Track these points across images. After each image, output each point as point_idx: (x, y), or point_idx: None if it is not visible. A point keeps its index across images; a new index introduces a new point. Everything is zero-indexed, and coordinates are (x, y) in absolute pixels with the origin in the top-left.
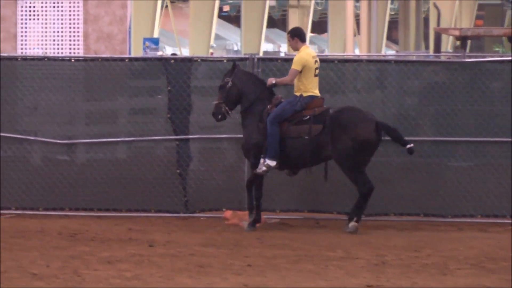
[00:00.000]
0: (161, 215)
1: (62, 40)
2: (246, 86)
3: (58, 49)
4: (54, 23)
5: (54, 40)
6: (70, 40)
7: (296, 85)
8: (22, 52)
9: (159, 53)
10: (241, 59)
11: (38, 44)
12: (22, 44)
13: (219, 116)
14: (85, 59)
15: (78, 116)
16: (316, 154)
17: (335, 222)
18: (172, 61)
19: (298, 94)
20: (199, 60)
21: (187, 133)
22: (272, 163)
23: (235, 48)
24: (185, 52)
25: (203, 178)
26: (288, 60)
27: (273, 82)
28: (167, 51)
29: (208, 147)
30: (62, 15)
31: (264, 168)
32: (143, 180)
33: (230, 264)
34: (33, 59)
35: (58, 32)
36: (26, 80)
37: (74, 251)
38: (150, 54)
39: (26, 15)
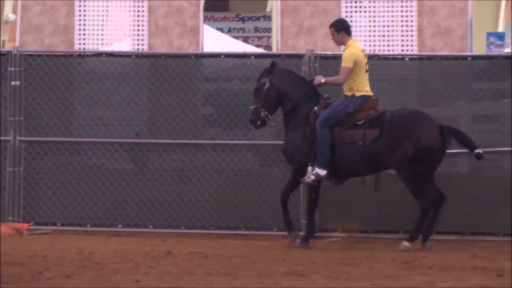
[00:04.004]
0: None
1: (392, 36)
2: (287, 87)
3: (388, 46)
4: (383, 17)
5: (383, 36)
6: (402, 36)
7: (346, 83)
8: None
9: (506, 50)
10: None
11: (364, 41)
12: None
13: (258, 122)
14: (420, 58)
15: None
16: (371, 162)
17: None
18: None
19: (349, 93)
20: None
21: None
22: (322, 172)
23: None
24: None
25: None
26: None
27: (322, 81)
28: None
29: None
30: (392, 8)
31: (312, 177)
32: (486, 198)
33: None
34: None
35: (388, 26)
36: None
37: (411, 281)
38: (495, 51)
39: (352, 8)
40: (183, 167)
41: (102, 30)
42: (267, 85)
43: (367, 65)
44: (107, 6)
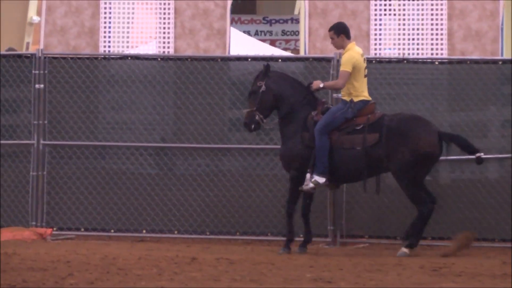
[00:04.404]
0: None
1: (422, 39)
2: (283, 90)
3: (417, 49)
4: (413, 19)
5: (412, 39)
6: (431, 39)
7: (345, 88)
8: (375, 54)
9: None
10: None
11: (393, 44)
12: (376, 44)
13: (253, 126)
14: (450, 61)
15: (443, 128)
16: (370, 167)
17: None
18: None
19: (348, 98)
20: None
21: None
22: (321, 179)
23: None
24: None
25: None
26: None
27: (321, 85)
28: None
29: None
30: (422, 10)
31: (311, 185)
32: None
33: None
34: (389, 61)
35: (417, 29)
36: (380, 86)
37: None
38: None
39: (381, 10)
40: (209, 171)
41: (128, 32)
42: (262, 88)
43: (366, 70)
44: (133, 7)
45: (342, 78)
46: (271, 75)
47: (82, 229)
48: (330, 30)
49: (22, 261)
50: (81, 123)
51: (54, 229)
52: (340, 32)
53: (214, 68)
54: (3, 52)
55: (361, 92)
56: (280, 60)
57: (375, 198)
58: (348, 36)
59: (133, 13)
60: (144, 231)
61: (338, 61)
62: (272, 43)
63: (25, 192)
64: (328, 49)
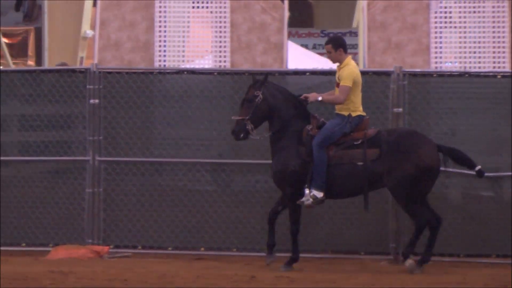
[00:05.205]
0: None
1: (483, 52)
2: (279, 103)
3: (478, 62)
4: (474, 32)
5: (474, 53)
6: (493, 52)
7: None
8: (436, 67)
9: None
10: None
11: (454, 57)
12: (436, 57)
13: (241, 135)
14: None
15: (505, 143)
16: (370, 182)
17: None
18: None
19: (345, 113)
20: None
21: None
22: (319, 194)
23: None
24: None
25: None
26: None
27: (319, 99)
28: None
29: None
30: (483, 23)
31: (311, 200)
32: None
33: None
34: (451, 75)
35: (478, 42)
36: (441, 100)
37: None
38: None
39: (442, 23)
40: (268, 188)
41: (183, 46)
42: (259, 98)
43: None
44: (188, 21)
45: (343, 93)
46: (267, 85)
47: (139, 247)
48: (327, 43)
49: (78, 279)
50: (136, 138)
51: (111, 246)
52: (338, 46)
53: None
54: (55, 67)
55: (358, 107)
56: None
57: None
58: (345, 50)
59: (188, 27)
60: (202, 249)
61: (398, 75)
62: None
63: (81, 209)
64: (387, 63)
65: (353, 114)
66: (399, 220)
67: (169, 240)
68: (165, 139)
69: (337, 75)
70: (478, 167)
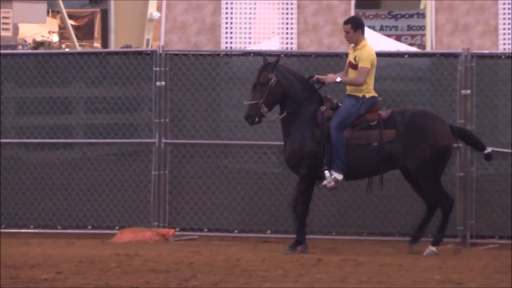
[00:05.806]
0: None
1: None
2: (292, 85)
3: None
4: None
5: None
6: None
7: None
8: (504, 49)
9: None
10: None
11: None
12: (504, 39)
13: (256, 119)
14: None
15: None
16: (385, 162)
17: None
18: None
19: (359, 94)
20: None
21: None
22: (340, 176)
23: None
24: None
25: None
26: None
27: (337, 80)
28: None
29: None
30: None
31: (333, 183)
32: None
33: None
34: None
35: None
36: (510, 82)
37: None
38: None
39: (509, 4)
40: None
41: (250, 28)
42: (273, 81)
43: None
44: (255, 3)
45: (362, 75)
46: (280, 69)
47: (206, 230)
48: (346, 23)
49: (144, 262)
50: (202, 121)
51: (177, 229)
52: (357, 27)
53: (338, 64)
54: (121, 49)
55: (371, 89)
56: (406, 56)
57: (504, 197)
58: (363, 32)
59: (255, 8)
60: (269, 232)
61: (466, 56)
62: (398, 38)
63: (147, 192)
64: (455, 45)
65: (367, 95)
66: (466, 203)
67: (235, 223)
68: (232, 121)
69: (352, 56)
70: (488, 150)
